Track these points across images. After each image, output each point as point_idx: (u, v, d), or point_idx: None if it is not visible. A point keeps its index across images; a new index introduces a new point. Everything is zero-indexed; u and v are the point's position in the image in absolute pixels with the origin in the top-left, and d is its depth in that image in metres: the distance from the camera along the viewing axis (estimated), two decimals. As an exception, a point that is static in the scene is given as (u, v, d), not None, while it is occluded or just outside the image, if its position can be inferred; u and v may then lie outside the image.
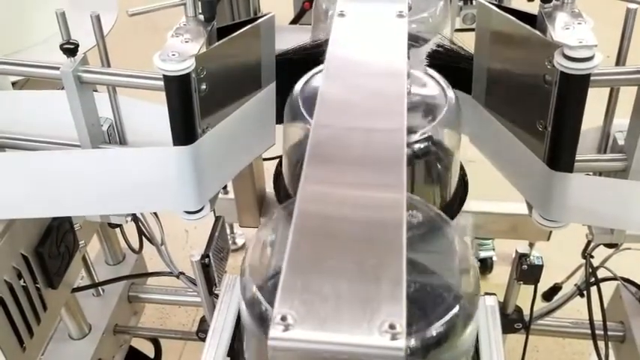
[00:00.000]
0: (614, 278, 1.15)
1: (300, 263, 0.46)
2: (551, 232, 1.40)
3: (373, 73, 0.66)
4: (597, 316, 1.12)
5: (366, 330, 0.40)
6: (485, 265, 1.85)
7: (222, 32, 0.82)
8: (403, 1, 0.75)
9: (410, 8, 0.74)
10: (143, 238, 1.27)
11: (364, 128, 0.59)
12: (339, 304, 0.42)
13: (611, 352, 1.20)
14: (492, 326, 0.80)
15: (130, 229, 1.25)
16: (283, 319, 0.40)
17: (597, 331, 1.12)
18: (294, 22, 1.43)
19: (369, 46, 0.70)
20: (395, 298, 0.41)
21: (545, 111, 0.76)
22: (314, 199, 0.52)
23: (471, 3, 1.33)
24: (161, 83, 0.76)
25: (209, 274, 0.95)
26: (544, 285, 1.31)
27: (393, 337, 0.39)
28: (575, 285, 1.18)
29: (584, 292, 1.12)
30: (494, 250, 1.85)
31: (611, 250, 1.03)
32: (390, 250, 0.46)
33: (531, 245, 1.60)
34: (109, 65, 0.84)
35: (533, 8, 0.80)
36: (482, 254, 1.84)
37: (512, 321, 1.06)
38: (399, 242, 0.46)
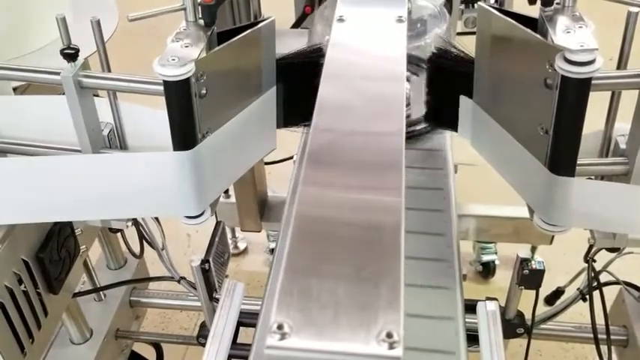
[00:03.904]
0: (617, 282, 1.15)
1: (298, 269, 0.45)
2: (553, 235, 1.40)
3: (372, 76, 0.65)
4: (600, 320, 1.11)
5: (363, 339, 0.40)
6: (488, 269, 1.84)
7: (223, 37, 0.82)
8: (403, 6, 0.75)
9: (410, 12, 0.74)
10: (144, 242, 1.27)
11: (363, 132, 0.59)
12: (337, 311, 0.42)
13: (614, 356, 1.19)
14: (493, 331, 0.80)
15: (132, 233, 1.25)
16: (280, 327, 0.40)
17: (600, 336, 1.12)
18: (295, 26, 1.42)
19: (369, 50, 0.70)
20: (393, 306, 0.41)
21: (546, 115, 0.76)
22: (313, 203, 0.51)
23: (473, 6, 1.33)
24: (161, 88, 0.76)
25: (209, 279, 0.95)
26: (547, 289, 1.30)
27: (391, 346, 0.39)
28: (578, 289, 1.18)
29: (587, 297, 1.12)
30: (496, 253, 1.84)
31: (613, 254, 1.03)
32: (389, 255, 0.45)
33: (534, 249, 1.60)
34: (109, 70, 0.84)
35: (535, 12, 0.80)
36: (485, 258, 1.84)
37: (514, 326, 1.06)
38: (398, 247, 0.46)
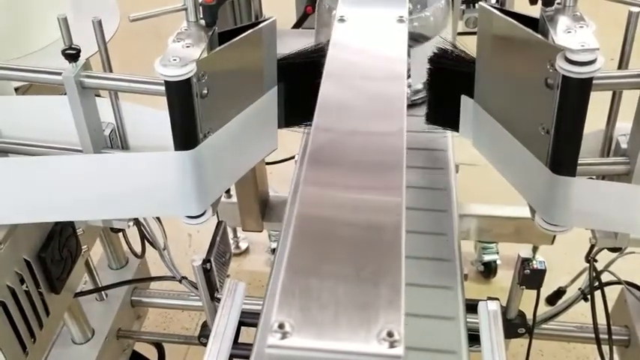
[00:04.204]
0: (619, 282, 1.15)
1: (299, 269, 0.45)
2: (555, 235, 1.40)
3: (373, 76, 0.66)
4: (602, 320, 1.11)
5: (364, 338, 0.40)
6: (489, 269, 1.84)
7: (224, 37, 0.82)
8: (403, 6, 0.75)
9: (410, 13, 0.74)
10: (145, 242, 1.27)
11: (364, 131, 0.59)
12: (338, 311, 0.42)
13: (616, 356, 1.19)
14: (494, 331, 0.80)
15: (134, 233, 1.25)
16: (281, 326, 0.40)
17: (602, 336, 1.12)
18: (297, 26, 1.43)
19: (370, 50, 0.70)
20: (393, 305, 0.41)
21: (547, 115, 0.76)
22: (314, 203, 0.52)
23: (474, 6, 1.33)
24: (162, 88, 0.76)
25: (210, 279, 0.95)
26: (549, 288, 1.30)
27: (392, 345, 0.39)
28: (579, 289, 1.18)
29: (589, 296, 1.12)
30: (498, 253, 1.84)
31: (614, 254, 1.03)
32: (389, 254, 0.46)
33: (535, 249, 1.60)
34: (110, 70, 0.84)
35: (536, 12, 0.80)
36: (486, 258, 1.84)
37: (516, 325, 1.06)
38: (398, 246, 0.46)
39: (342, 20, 0.75)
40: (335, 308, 0.42)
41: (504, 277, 1.81)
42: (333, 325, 0.41)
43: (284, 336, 0.40)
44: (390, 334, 0.40)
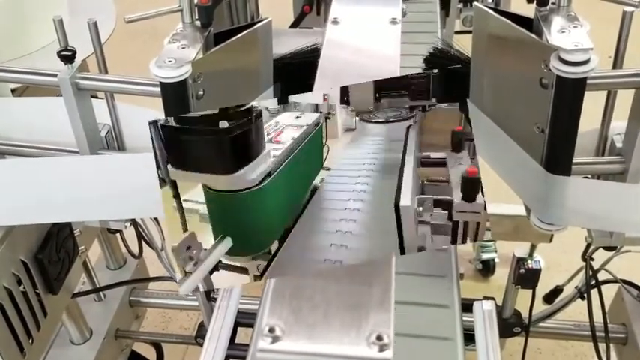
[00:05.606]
0: (615, 280, 1.15)
1: (290, 268, 0.46)
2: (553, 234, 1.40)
3: (366, 76, 0.66)
4: (599, 318, 1.12)
5: (354, 341, 0.40)
6: (488, 267, 1.84)
7: (220, 38, 0.82)
8: (397, 7, 0.75)
9: (404, 14, 0.75)
10: (143, 242, 1.27)
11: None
12: (328, 314, 0.42)
13: (613, 354, 1.19)
14: (489, 330, 0.80)
15: (132, 233, 1.26)
16: (271, 330, 0.40)
17: (599, 334, 1.12)
18: (294, 25, 1.43)
19: (363, 50, 0.70)
20: (384, 307, 0.41)
21: (542, 114, 0.76)
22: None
23: (471, 5, 1.33)
24: (158, 89, 0.76)
25: (207, 280, 0.95)
26: (547, 287, 1.30)
27: (381, 349, 0.39)
28: (576, 287, 1.18)
29: (585, 295, 1.12)
30: (496, 251, 1.84)
31: (610, 253, 1.03)
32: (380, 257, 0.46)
33: (533, 247, 1.60)
34: (106, 72, 0.84)
35: (532, 11, 0.80)
36: (484, 256, 1.84)
37: (511, 325, 1.06)
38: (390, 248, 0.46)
39: (335, 21, 0.75)
40: (325, 309, 0.42)
41: (503, 276, 1.81)
42: (323, 327, 0.41)
43: (274, 340, 0.40)
44: (379, 338, 0.40)
